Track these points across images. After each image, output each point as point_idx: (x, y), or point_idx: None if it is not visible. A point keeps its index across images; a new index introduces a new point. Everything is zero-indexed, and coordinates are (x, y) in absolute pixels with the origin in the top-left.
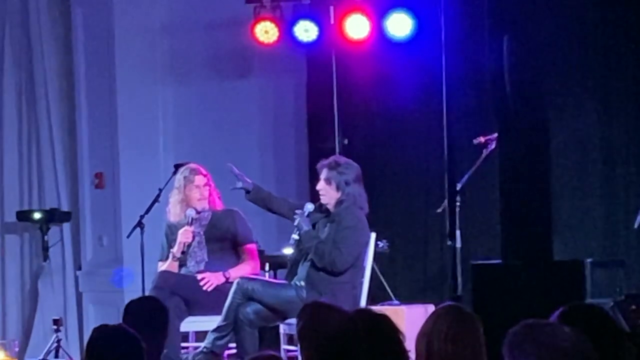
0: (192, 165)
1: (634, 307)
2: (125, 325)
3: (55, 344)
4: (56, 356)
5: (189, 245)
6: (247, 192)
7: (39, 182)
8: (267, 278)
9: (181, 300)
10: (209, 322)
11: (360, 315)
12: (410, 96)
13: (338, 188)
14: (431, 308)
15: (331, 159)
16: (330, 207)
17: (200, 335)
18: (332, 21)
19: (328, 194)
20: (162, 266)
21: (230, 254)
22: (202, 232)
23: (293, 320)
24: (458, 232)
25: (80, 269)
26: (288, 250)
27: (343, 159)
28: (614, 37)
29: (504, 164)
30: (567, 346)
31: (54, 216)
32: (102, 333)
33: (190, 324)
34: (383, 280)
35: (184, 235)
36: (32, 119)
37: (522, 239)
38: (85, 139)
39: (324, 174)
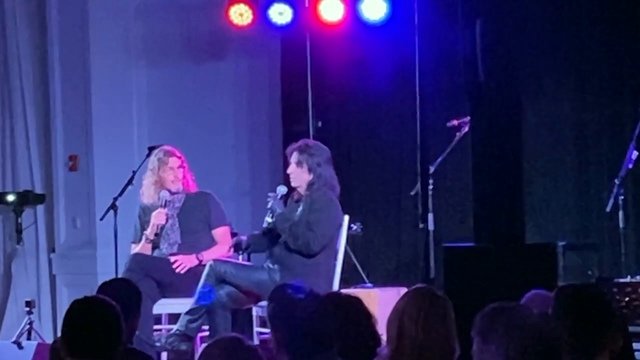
0: (166, 148)
1: (605, 290)
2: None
3: (28, 326)
4: (28, 338)
5: (162, 228)
6: (246, 247)
7: (12, 164)
8: (240, 261)
9: (154, 282)
10: (182, 305)
11: (332, 298)
12: (384, 79)
13: (309, 170)
14: (404, 291)
15: (300, 142)
16: (302, 189)
17: (173, 318)
18: (306, 4)
19: (299, 176)
20: (135, 248)
21: (203, 236)
22: (175, 215)
23: (266, 303)
24: (431, 215)
25: (54, 251)
26: None
27: (312, 142)
28: (588, 21)
29: (477, 147)
30: (535, 328)
31: (27, 198)
32: (80, 305)
33: (163, 306)
34: (356, 262)
35: (157, 217)
36: (6, 101)
37: (495, 221)
38: (59, 121)
39: (294, 158)
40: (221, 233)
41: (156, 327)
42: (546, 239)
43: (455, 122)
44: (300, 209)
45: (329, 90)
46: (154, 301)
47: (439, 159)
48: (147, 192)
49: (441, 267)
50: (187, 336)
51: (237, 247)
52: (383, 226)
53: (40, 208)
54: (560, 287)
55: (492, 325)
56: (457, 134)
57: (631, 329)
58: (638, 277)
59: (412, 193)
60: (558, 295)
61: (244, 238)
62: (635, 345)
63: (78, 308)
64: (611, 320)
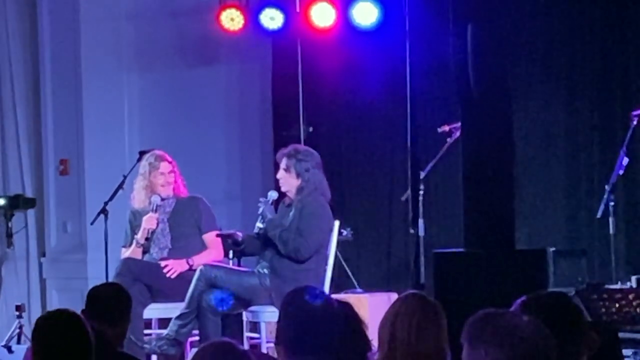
0: (157, 152)
1: (595, 296)
2: (73, 310)
3: (18, 330)
4: (18, 342)
5: (153, 232)
6: (239, 243)
7: (3, 168)
8: (230, 265)
9: (144, 286)
10: (172, 309)
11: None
12: (375, 85)
13: (298, 175)
14: (394, 296)
15: (290, 147)
16: (291, 194)
17: (164, 322)
18: (297, 9)
19: (287, 182)
20: (126, 252)
21: (194, 241)
22: (166, 219)
23: (256, 308)
24: (421, 221)
25: (44, 255)
26: None
27: (302, 147)
28: (579, 28)
29: (468, 152)
30: (527, 334)
31: (18, 202)
32: (47, 319)
33: (154, 310)
34: (347, 268)
35: (148, 222)
36: None
37: (485, 227)
38: (50, 125)
39: (283, 163)
40: (211, 238)
41: (146, 331)
42: (537, 245)
43: (446, 128)
44: (291, 213)
45: (320, 95)
46: (144, 306)
47: (430, 165)
48: (138, 197)
49: (431, 272)
50: (177, 341)
51: (234, 242)
52: (373, 232)
53: (30, 212)
54: (525, 298)
55: (481, 332)
56: (448, 139)
57: (621, 335)
58: (628, 284)
59: (403, 198)
60: (524, 306)
61: (240, 234)
62: (625, 352)
63: (44, 325)
64: (583, 324)
